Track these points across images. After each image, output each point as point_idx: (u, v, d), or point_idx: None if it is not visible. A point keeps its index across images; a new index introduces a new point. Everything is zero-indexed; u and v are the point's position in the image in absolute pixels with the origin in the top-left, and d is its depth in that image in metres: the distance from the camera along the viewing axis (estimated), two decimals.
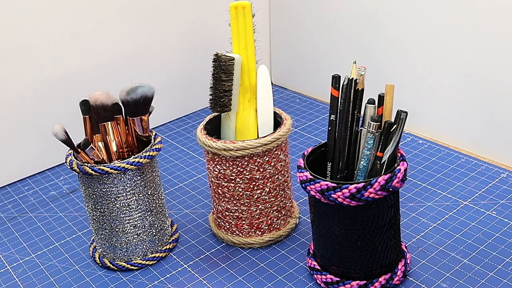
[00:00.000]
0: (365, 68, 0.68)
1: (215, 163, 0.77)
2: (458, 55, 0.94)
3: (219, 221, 0.81)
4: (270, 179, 0.77)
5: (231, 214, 0.79)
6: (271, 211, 0.79)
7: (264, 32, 1.25)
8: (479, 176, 0.90)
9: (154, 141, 0.78)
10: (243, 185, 0.76)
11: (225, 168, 0.76)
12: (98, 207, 0.76)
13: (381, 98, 0.67)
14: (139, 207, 0.76)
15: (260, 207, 0.78)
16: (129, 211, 0.76)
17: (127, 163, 0.74)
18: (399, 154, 0.68)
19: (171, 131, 1.14)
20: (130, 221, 0.76)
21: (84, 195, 0.77)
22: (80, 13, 1.01)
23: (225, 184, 0.77)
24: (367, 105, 0.67)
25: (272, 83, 1.13)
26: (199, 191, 0.94)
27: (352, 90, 0.68)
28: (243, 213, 0.78)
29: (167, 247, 0.81)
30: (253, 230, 0.79)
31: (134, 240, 0.78)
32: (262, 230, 0.79)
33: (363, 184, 0.64)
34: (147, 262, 0.79)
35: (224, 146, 0.74)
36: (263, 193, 0.77)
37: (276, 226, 0.80)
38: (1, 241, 0.87)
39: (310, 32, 1.17)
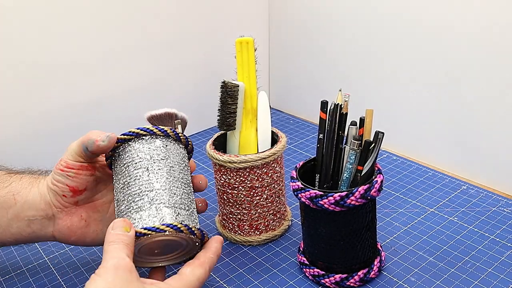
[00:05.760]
0: (349, 95, 0.68)
1: (221, 173, 0.77)
2: (429, 89, 0.94)
3: (224, 222, 0.82)
4: (267, 188, 0.77)
5: (234, 216, 0.79)
6: (268, 215, 0.79)
7: (264, 64, 1.25)
8: (443, 187, 0.90)
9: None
10: (244, 192, 0.76)
11: (229, 177, 0.76)
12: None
13: (362, 120, 0.67)
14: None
15: (258, 211, 0.78)
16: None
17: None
18: (376, 168, 0.68)
19: None
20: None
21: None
22: (104, 50, 0.99)
23: (230, 191, 0.77)
24: (350, 126, 0.68)
25: (270, 106, 1.14)
26: (208, 196, 0.94)
27: (338, 114, 0.68)
28: (244, 216, 0.78)
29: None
30: (252, 230, 0.79)
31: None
32: (260, 230, 0.80)
33: (346, 192, 0.64)
34: None
35: (229, 159, 0.74)
36: (261, 199, 0.77)
37: (272, 227, 0.80)
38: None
39: (303, 64, 1.18)
